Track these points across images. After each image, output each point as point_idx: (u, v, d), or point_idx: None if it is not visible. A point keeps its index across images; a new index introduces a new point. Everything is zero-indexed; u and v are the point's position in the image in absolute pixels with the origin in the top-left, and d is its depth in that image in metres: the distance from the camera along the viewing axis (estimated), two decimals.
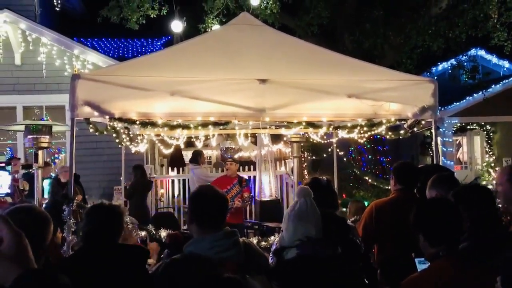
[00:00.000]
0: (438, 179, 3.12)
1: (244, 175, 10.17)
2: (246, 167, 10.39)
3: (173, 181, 10.14)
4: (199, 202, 2.39)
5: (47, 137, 5.59)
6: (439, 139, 12.09)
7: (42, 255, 2.11)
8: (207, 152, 17.42)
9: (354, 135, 5.81)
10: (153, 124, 4.67)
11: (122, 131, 5.48)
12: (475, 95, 12.30)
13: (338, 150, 7.66)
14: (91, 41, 15.40)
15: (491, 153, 13.92)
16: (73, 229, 4.19)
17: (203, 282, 1.86)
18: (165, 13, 11.28)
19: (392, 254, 3.46)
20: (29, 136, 5.59)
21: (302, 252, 2.58)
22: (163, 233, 4.89)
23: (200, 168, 8.36)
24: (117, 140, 5.88)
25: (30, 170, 7.47)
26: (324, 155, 10.28)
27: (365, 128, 5.39)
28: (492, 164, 13.61)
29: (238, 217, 7.35)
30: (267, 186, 9.42)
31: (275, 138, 9.29)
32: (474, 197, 2.61)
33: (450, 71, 13.36)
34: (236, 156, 12.03)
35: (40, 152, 5.64)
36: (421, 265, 2.68)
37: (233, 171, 7.46)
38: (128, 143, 6.15)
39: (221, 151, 11.67)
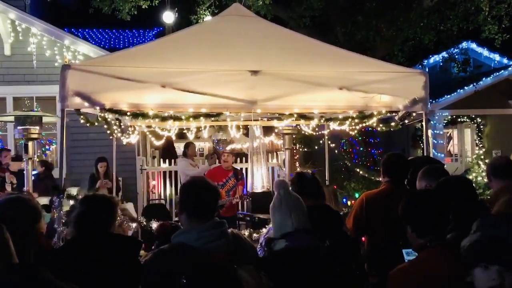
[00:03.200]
0: (428, 171, 3.15)
1: (236, 167, 10.20)
2: (238, 159, 10.40)
3: (164, 173, 10.13)
4: (189, 193, 2.40)
5: (37, 128, 5.55)
6: (430, 131, 12.15)
7: (33, 246, 2.10)
8: (199, 144, 17.37)
9: (346, 127, 5.83)
10: (144, 115, 4.65)
11: (113, 122, 5.46)
12: (466, 87, 12.35)
13: (329, 142, 7.69)
14: (82, 31, 15.27)
15: (481, 145, 14.03)
16: (63, 220, 4.18)
17: (194, 269, 1.87)
18: (156, 4, 11.21)
19: (382, 245, 3.49)
20: (19, 127, 5.55)
21: (290, 244, 2.61)
22: (154, 224, 4.89)
23: (182, 161, 8.33)
24: (108, 132, 5.85)
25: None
26: (316, 147, 10.31)
27: (356, 120, 5.41)
28: (482, 157, 13.71)
29: (232, 210, 7.40)
30: (259, 178, 9.44)
31: (267, 130, 9.31)
32: (455, 188, 2.65)
33: (441, 63, 13.37)
34: (228, 148, 12.03)
35: (30, 143, 5.60)
36: (408, 256, 2.71)
37: (229, 164, 7.47)
38: (119, 135, 6.13)
39: (213, 143, 11.65)
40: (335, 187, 7.83)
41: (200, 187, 2.41)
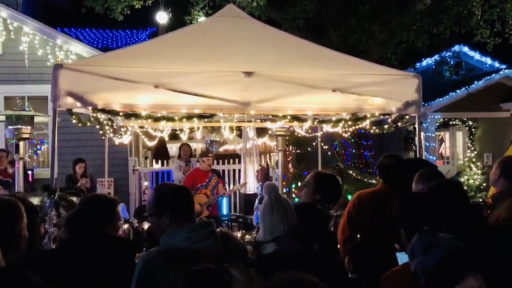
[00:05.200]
0: (424, 174, 3.15)
1: (229, 168, 10.20)
2: (231, 160, 10.39)
3: (157, 173, 10.09)
4: (170, 197, 2.36)
5: (29, 127, 5.50)
6: (422, 134, 12.19)
7: (20, 247, 2.08)
8: (192, 145, 17.31)
9: (339, 129, 5.84)
10: (137, 116, 4.63)
11: (105, 122, 5.42)
12: (458, 91, 12.43)
13: (322, 144, 7.70)
14: (75, 31, 15.17)
15: (472, 148, 14.10)
16: (54, 222, 4.15)
17: (184, 271, 1.86)
18: (150, 4, 11.16)
19: (374, 245, 3.48)
20: (10, 127, 5.50)
21: (280, 248, 2.61)
22: (146, 225, 4.87)
23: (174, 162, 8.36)
24: (100, 132, 5.82)
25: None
26: (309, 149, 10.32)
27: (349, 122, 5.42)
28: (474, 160, 13.79)
29: (215, 209, 7.42)
30: (251, 180, 9.44)
31: (260, 132, 9.29)
32: (448, 191, 2.65)
33: (434, 67, 13.43)
34: (221, 149, 12.02)
35: (21, 143, 5.55)
36: (402, 260, 2.70)
37: (210, 166, 7.50)
38: (111, 135, 6.09)
39: (206, 144, 11.62)
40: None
41: (176, 190, 2.41)
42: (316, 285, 1.34)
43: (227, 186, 7.78)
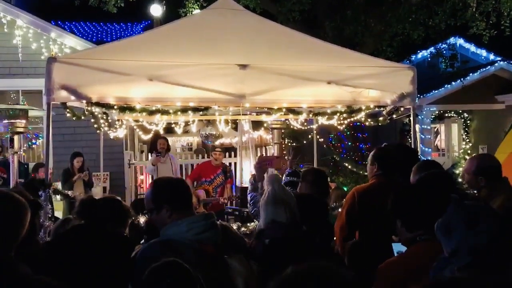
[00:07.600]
0: (422, 165, 3.15)
1: (225, 161, 10.17)
2: (227, 154, 10.39)
3: None
4: (169, 189, 2.37)
5: (23, 121, 5.50)
6: (417, 126, 12.22)
7: (16, 243, 2.07)
8: (188, 139, 17.29)
9: (334, 121, 5.84)
10: (131, 109, 4.61)
11: (100, 116, 5.41)
12: (453, 83, 12.45)
13: (318, 137, 7.71)
14: (69, 24, 15.11)
15: (467, 140, 14.15)
16: (49, 215, 4.14)
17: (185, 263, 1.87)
18: None
19: (373, 239, 3.48)
20: (4, 121, 5.48)
21: (273, 235, 2.63)
22: (142, 219, 4.86)
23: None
24: (95, 126, 5.80)
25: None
26: (305, 142, 10.33)
27: (344, 115, 5.42)
28: (469, 151, 13.84)
29: (213, 210, 7.37)
30: (247, 173, 9.43)
31: (256, 125, 9.29)
32: (436, 183, 2.66)
33: (429, 59, 13.44)
34: (217, 142, 12.02)
35: (16, 137, 5.54)
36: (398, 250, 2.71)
37: (220, 161, 7.37)
38: (106, 129, 6.07)
39: (202, 137, 11.63)
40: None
41: (174, 182, 2.43)
42: (338, 274, 1.26)
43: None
